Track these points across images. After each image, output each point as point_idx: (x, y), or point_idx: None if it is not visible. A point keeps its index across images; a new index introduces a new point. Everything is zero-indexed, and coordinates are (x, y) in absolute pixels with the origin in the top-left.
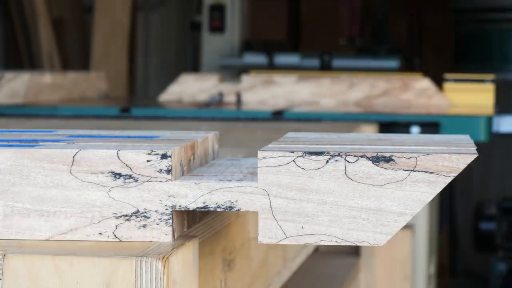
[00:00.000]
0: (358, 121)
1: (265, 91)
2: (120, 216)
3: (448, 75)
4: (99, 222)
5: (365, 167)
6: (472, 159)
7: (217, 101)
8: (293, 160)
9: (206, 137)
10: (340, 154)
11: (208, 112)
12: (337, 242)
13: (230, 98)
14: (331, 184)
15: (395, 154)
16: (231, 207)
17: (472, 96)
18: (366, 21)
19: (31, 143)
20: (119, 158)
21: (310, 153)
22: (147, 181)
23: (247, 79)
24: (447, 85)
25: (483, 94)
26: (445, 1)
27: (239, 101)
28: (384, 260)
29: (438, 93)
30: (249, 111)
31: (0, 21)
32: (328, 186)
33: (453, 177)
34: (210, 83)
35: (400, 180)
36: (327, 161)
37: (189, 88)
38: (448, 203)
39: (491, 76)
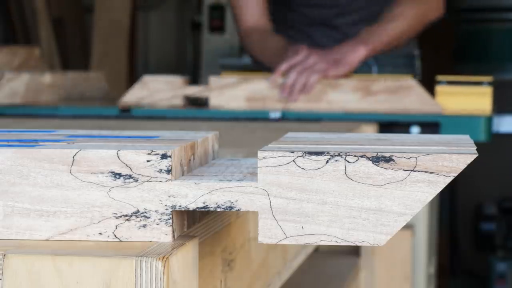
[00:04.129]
0: (358, 121)
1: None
2: (120, 216)
3: (440, 77)
4: (99, 222)
5: (365, 167)
6: (472, 159)
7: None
8: (293, 160)
9: (206, 137)
10: (340, 154)
11: (208, 112)
12: (337, 242)
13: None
14: (331, 184)
15: (395, 154)
16: (231, 207)
17: (468, 100)
18: None
19: (31, 143)
20: (119, 158)
21: (310, 153)
22: (147, 181)
23: (215, 81)
24: (440, 88)
25: (479, 98)
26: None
27: (206, 105)
28: (384, 260)
29: (429, 98)
30: (249, 111)
31: (0, 21)
32: (328, 186)
33: (453, 177)
34: (174, 86)
35: (400, 180)
36: (327, 161)
37: (151, 91)
38: (448, 203)
39: (489, 78)
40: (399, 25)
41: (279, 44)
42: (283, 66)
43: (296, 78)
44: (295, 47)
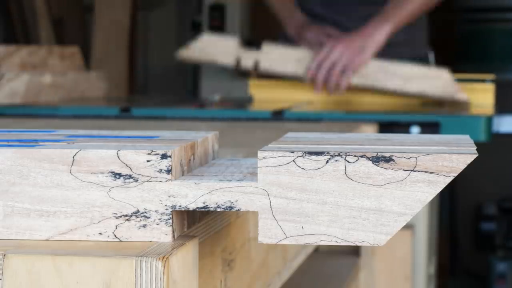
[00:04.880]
0: (358, 121)
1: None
2: (120, 216)
3: None
4: (99, 222)
5: (365, 167)
6: (472, 159)
7: (215, 101)
8: (293, 160)
9: (206, 137)
10: (340, 154)
11: (208, 112)
12: (337, 242)
13: (248, 63)
14: (331, 184)
15: (395, 154)
16: (231, 207)
17: (472, 96)
18: None
19: (31, 143)
20: (119, 158)
21: (310, 153)
22: (147, 181)
23: (267, 48)
24: None
25: (483, 94)
26: (445, 1)
27: (256, 69)
28: (384, 260)
29: (458, 88)
30: (249, 111)
31: (0, 21)
32: (328, 186)
33: (453, 177)
34: (229, 45)
35: (400, 180)
36: (327, 161)
37: (209, 48)
38: (448, 203)
39: (491, 76)
40: None
41: (301, 20)
42: (313, 66)
43: (325, 76)
44: (321, 36)
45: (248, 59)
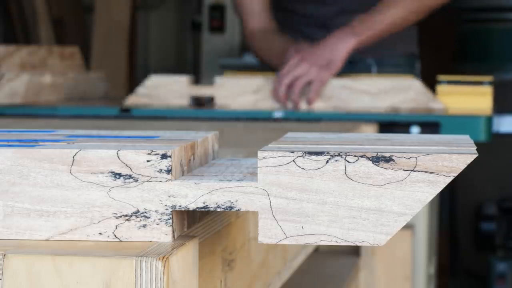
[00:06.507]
0: (358, 121)
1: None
2: (120, 216)
3: (441, 77)
4: (99, 222)
5: (365, 167)
6: (472, 159)
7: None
8: (293, 160)
9: (206, 137)
10: (340, 154)
11: (208, 112)
12: (337, 242)
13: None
14: (331, 184)
15: (395, 154)
16: (231, 207)
17: (469, 99)
18: None
19: (31, 143)
20: (119, 158)
21: (310, 153)
22: (147, 181)
23: (221, 81)
24: (441, 88)
25: (480, 97)
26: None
27: (213, 106)
28: (384, 260)
29: (431, 96)
30: (249, 111)
31: (0, 21)
32: (328, 186)
33: (453, 177)
34: (180, 85)
35: (400, 180)
36: (327, 161)
37: (158, 90)
38: (448, 203)
39: (489, 78)
40: (396, 11)
41: (283, 44)
42: (276, 81)
43: (285, 90)
44: (290, 51)
45: (203, 95)
